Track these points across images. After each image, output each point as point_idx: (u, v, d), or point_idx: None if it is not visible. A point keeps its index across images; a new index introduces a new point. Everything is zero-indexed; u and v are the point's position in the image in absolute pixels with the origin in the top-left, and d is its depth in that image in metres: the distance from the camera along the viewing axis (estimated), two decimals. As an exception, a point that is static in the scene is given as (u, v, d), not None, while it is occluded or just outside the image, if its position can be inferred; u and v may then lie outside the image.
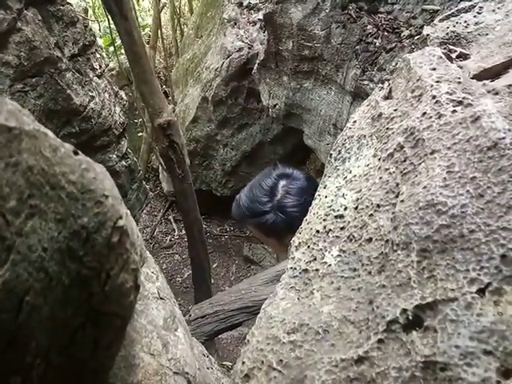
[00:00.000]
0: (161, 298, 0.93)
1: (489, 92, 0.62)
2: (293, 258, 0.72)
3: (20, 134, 0.42)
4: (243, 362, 0.60)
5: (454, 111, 0.58)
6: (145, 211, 5.41)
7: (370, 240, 0.61)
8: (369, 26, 2.78)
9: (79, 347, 0.50)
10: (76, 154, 0.50)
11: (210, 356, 1.70)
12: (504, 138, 0.51)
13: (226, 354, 3.63)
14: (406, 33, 2.66)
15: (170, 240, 5.51)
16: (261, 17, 3.78)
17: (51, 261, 0.42)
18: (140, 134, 5.97)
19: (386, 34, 2.74)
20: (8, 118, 0.41)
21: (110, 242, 0.51)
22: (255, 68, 3.66)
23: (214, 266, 4.96)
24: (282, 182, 1.33)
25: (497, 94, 0.62)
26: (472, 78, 0.71)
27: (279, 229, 1.31)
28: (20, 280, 0.37)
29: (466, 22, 0.84)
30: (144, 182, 4.20)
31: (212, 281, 3.97)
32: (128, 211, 0.59)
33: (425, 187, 0.55)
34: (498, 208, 0.48)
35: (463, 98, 0.59)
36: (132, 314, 0.67)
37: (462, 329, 0.44)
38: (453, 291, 0.47)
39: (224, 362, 3.22)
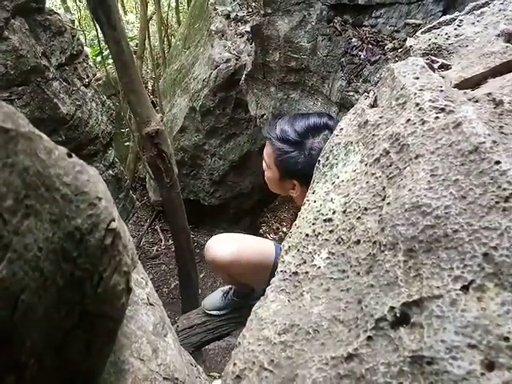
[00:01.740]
0: (150, 304, 0.93)
1: (469, 100, 0.65)
2: (283, 262, 0.73)
3: (16, 135, 0.42)
4: (234, 364, 0.61)
5: (437, 118, 0.61)
6: (131, 221, 5.36)
7: (358, 242, 0.63)
8: (354, 39, 2.84)
9: (72, 349, 0.50)
10: (70, 156, 0.51)
11: (198, 366, 1.69)
12: (484, 142, 0.54)
13: (213, 365, 3.59)
14: (390, 46, 2.73)
15: (157, 250, 5.45)
16: (248, 29, 3.84)
17: (46, 261, 0.43)
18: (127, 143, 5.94)
19: (370, 46, 2.80)
20: (5, 120, 0.42)
21: (103, 243, 0.52)
22: (243, 79, 3.69)
23: (202, 276, 4.93)
24: (326, 131, 1.33)
25: (477, 101, 0.65)
26: (453, 88, 0.74)
27: (292, 166, 1.31)
28: (16, 278, 0.38)
29: (447, 34, 0.88)
30: (131, 192, 4.18)
31: (199, 291, 3.94)
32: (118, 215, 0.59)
33: (410, 190, 0.57)
34: (479, 208, 0.51)
35: (445, 105, 0.62)
36: (124, 317, 0.67)
37: (448, 324, 0.46)
38: (438, 289, 0.48)
39: (211, 373, 3.18)
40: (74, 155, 0.52)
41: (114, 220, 0.54)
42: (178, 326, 2.23)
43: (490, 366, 0.42)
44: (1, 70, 2.41)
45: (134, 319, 0.83)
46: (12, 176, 0.40)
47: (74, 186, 0.49)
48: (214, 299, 2.12)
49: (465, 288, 0.47)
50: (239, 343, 0.64)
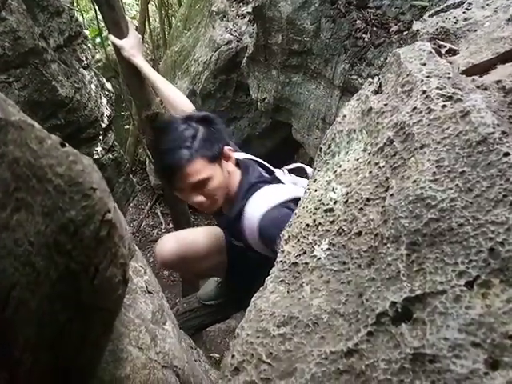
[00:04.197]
0: (149, 292, 0.92)
1: (478, 87, 0.63)
2: (282, 252, 0.72)
3: (6, 125, 0.41)
4: (233, 356, 0.60)
5: (444, 106, 0.59)
6: (132, 204, 5.35)
7: (359, 234, 0.61)
8: (358, 21, 2.78)
9: (67, 342, 0.49)
10: (63, 145, 0.49)
11: (198, 348, 1.70)
12: (493, 132, 0.52)
13: (213, 347, 3.63)
14: (395, 28, 2.67)
15: (158, 233, 5.47)
16: (250, 10, 3.76)
17: (38, 255, 0.42)
18: (127, 126, 5.90)
19: (374, 29, 2.74)
20: (-7, 108, 0.40)
21: (98, 235, 0.50)
22: (244, 61, 3.63)
23: (202, 259, 4.94)
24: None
25: (486, 89, 0.62)
26: (461, 74, 0.71)
27: (216, 141, 1.41)
28: (6, 274, 0.36)
29: (455, 17, 0.85)
30: (131, 175, 4.16)
31: (200, 274, 3.96)
32: (115, 204, 0.58)
33: (414, 181, 0.55)
34: (486, 202, 0.49)
35: (453, 93, 0.60)
36: (120, 308, 0.67)
37: (451, 321, 0.45)
38: (441, 284, 0.47)
39: (211, 354, 3.22)
40: (67, 144, 0.50)
41: (109, 211, 0.52)
42: (178, 310, 2.24)
43: (494, 365, 0.41)
44: (-2, 52, 2.36)
45: (133, 308, 0.82)
46: (1, 168, 0.39)
47: (68, 177, 0.47)
48: (208, 290, 2.13)
49: (469, 284, 0.46)
50: (238, 334, 0.63)
